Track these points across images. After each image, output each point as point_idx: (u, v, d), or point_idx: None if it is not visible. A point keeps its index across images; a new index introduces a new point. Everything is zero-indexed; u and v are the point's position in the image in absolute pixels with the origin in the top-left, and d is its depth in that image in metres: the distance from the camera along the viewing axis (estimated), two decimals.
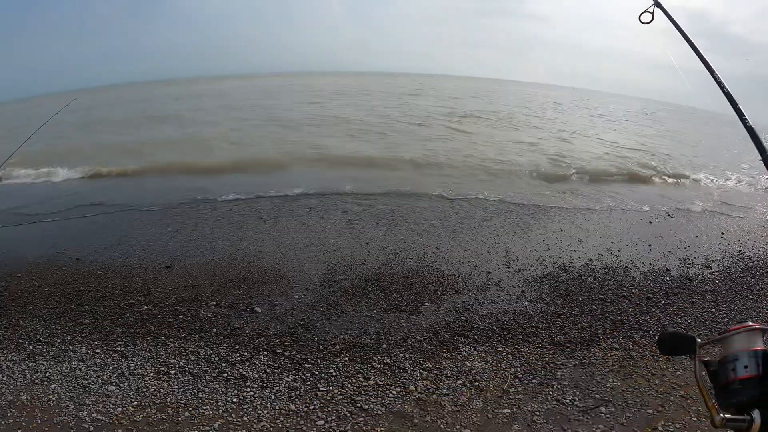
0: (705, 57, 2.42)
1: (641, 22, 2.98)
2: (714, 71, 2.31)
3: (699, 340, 1.66)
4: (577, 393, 4.65)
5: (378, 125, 24.41)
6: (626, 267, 7.73)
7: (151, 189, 13.12)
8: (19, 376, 4.99)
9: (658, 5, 2.93)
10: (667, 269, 7.65)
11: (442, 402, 4.55)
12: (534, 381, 4.85)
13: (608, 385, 4.76)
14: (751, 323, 1.64)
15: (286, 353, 5.33)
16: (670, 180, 15.67)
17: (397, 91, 51.00)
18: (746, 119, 2.02)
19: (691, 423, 4.19)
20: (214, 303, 6.45)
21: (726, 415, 1.52)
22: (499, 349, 5.43)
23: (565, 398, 4.57)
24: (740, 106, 2.06)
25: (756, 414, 1.49)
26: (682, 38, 2.74)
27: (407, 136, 21.81)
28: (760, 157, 1.91)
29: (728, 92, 2.16)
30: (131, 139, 20.79)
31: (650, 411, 4.36)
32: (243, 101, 39.59)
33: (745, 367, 1.60)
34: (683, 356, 1.75)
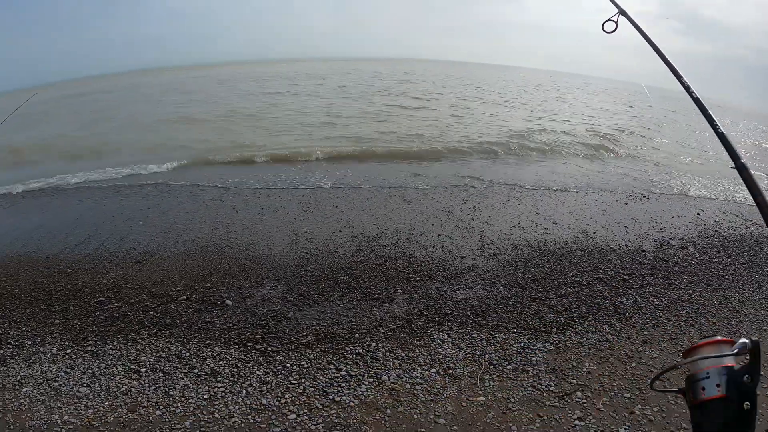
0: (673, 64, 2.32)
1: (605, 31, 2.86)
2: (682, 77, 2.21)
3: None
4: (553, 378, 4.58)
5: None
6: (602, 249, 7.66)
7: (124, 180, 12.93)
8: None
9: (623, 14, 2.81)
10: (643, 251, 7.60)
11: (415, 392, 4.45)
12: (509, 367, 4.77)
13: (584, 370, 4.70)
14: (719, 337, 1.53)
15: (258, 346, 5.21)
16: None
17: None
18: (717, 125, 1.92)
19: (668, 406, 4.14)
20: (185, 297, 6.30)
21: None
22: (474, 335, 5.34)
23: (540, 384, 4.50)
24: (710, 112, 1.97)
25: None
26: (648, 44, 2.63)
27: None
28: (733, 165, 1.81)
29: (697, 98, 2.06)
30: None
31: (627, 395, 4.30)
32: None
33: (703, 389, 1.49)
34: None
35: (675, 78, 2.27)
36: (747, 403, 1.39)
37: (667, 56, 2.37)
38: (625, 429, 3.92)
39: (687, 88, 2.16)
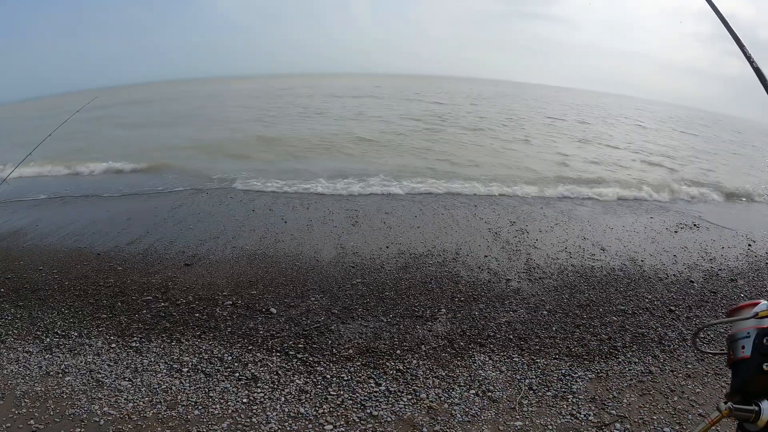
0: (736, 33, 2.31)
1: None
2: (744, 46, 2.21)
3: None
4: (593, 408, 4.54)
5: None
6: (649, 278, 7.56)
7: (174, 184, 13.26)
8: (35, 367, 5.06)
9: None
10: (691, 281, 7.48)
11: (453, 411, 4.46)
12: (549, 393, 4.75)
13: (625, 401, 4.64)
14: (763, 300, 1.56)
15: (299, 355, 5.30)
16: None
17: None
18: None
19: None
20: (230, 302, 6.45)
21: (732, 405, 1.44)
22: (515, 359, 5.33)
23: (579, 413, 4.46)
24: None
25: (766, 405, 1.41)
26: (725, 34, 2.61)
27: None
28: None
29: (757, 67, 2.07)
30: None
31: (666, 430, 4.23)
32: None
33: (742, 347, 1.52)
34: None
35: (738, 47, 2.26)
36: (766, 364, 1.42)
37: (730, 25, 2.37)
38: None
39: (748, 58, 2.16)
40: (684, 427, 4.28)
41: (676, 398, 4.67)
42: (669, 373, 5.11)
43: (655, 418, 4.41)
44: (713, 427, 1.52)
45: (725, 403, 1.47)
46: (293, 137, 21.30)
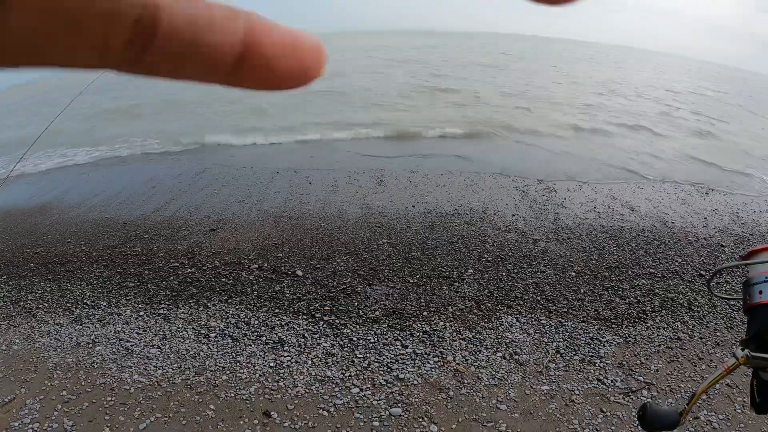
0: None
1: None
2: None
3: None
4: (620, 373, 4.53)
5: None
6: (679, 240, 7.46)
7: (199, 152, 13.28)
8: (66, 338, 5.15)
9: None
10: (722, 245, 7.37)
11: (479, 375, 4.48)
12: (576, 358, 4.74)
13: (653, 367, 4.62)
14: None
15: (326, 318, 5.34)
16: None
17: None
18: None
19: (735, 415, 4.03)
20: (257, 266, 6.49)
21: (749, 352, 1.42)
22: (543, 321, 5.32)
23: (606, 378, 4.46)
24: None
25: None
26: None
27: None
28: None
29: None
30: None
31: None
32: None
33: (760, 292, 1.48)
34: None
35: None
36: None
37: None
38: None
39: None
40: (711, 397, 4.25)
41: (704, 366, 4.64)
42: (698, 340, 5.07)
43: (682, 386, 4.39)
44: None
45: (742, 350, 1.43)
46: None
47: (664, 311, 5.57)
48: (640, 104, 22.10)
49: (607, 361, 4.69)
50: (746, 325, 1.54)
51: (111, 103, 19.68)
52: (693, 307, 5.65)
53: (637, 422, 1.62)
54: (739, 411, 4.05)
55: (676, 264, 6.66)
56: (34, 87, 29.71)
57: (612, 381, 4.42)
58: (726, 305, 5.69)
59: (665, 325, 5.30)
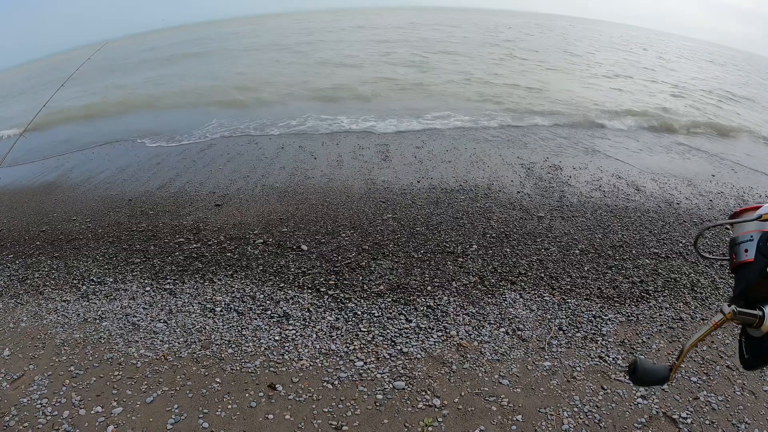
0: None
1: None
2: None
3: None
4: (621, 351, 4.55)
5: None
6: (684, 222, 7.47)
7: (198, 124, 13.30)
8: (73, 315, 5.22)
9: None
10: (727, 228, 7.36)
11: (482, 349, 4.52)
12: (578, 335, 4.77)
13: (654, 347, 4.64)
14: (766, 203, 1.54)
15: (330, 292, 5.38)
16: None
17: None
18: None
19: (734, 397, 4.05)
20: (262, 241, 6.54)
21: (736, 307, 1.44)
22: (546, 298, 5.35)
23: (608, 356, 4.48)
24: None
25: None
26: None
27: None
28: None
29: None
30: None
31: (694, 379, 4.23)
32: None
33: (746, 251, 1.50)
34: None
35: None
36: None
37: None
38: (687, 414, 3.86)
39: None
40: (710, 378, 4.28)
41: (705, 348, 4.65)
42: (699, 321, 5.09)
43: (683, 366, 4.40)
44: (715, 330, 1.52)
45: (728, 305, 1.46)
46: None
47: (666, 291, 5.58)
48: None
49: (609, 339, 4.71)
50: (733, 283, 1.56)
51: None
52: (696, 289, 5.66)
53: (627, 377, 1.65)
54: (739, 393, 4.08)
55: (680, 245, 6.66)
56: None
57: (613, 359, 4.45)
58: (728, 286, 5.70)
59: (668, 306, 5.31)
